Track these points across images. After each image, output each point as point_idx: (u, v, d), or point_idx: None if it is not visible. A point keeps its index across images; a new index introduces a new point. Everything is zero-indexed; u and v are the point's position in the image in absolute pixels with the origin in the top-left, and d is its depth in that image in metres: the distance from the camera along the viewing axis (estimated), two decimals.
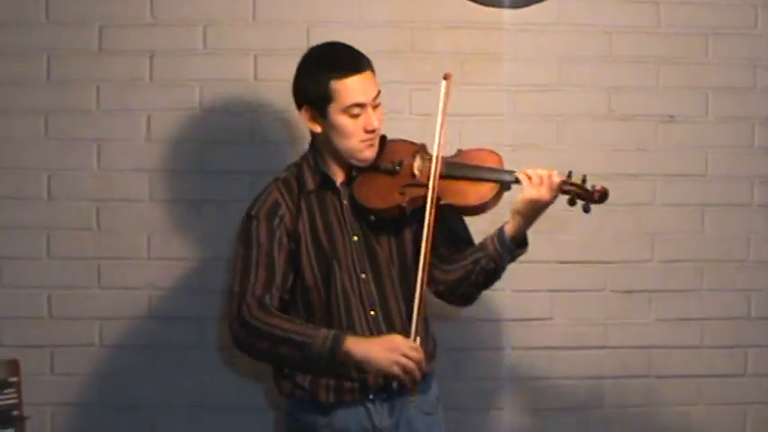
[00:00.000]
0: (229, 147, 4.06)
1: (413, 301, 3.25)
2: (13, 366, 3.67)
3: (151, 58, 4.05)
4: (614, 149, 4.13)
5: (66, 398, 4.06)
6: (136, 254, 4.06)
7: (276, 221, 3.33)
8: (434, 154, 3.30)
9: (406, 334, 3.24)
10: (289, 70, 3.99)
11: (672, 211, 4.15)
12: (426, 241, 3.23)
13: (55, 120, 4.04)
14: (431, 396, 3.46)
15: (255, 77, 4.06)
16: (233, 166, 4.05)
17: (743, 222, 4.18)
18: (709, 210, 4.17)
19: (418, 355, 3.20)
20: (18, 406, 3.64)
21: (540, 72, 4.10)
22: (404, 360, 3.18)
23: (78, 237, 4.05)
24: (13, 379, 3.64)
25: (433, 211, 3.25)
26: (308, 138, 3.97)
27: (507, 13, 4.08)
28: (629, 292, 4.15)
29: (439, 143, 3.30)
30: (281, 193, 3.37)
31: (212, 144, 4.06)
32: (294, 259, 3.33)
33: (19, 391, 3.66)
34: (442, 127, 3.31)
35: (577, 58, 4.11)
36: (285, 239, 3.33)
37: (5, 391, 3.59)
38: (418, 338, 3.23)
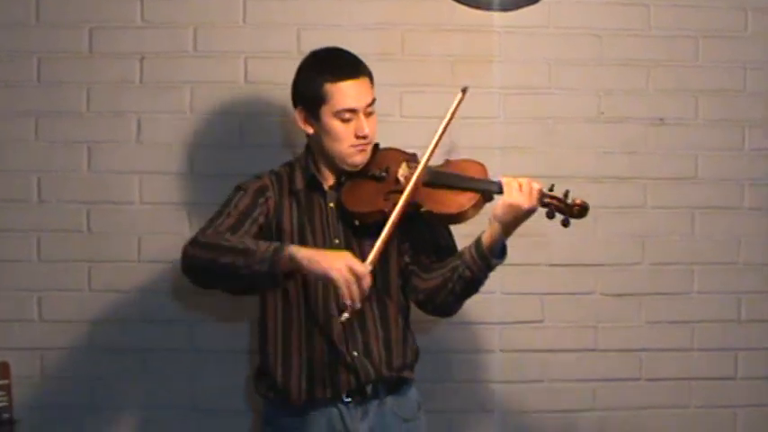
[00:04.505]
0: (219, 149, 4.06)
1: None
2: (4, 369, 3.67)
3: (141, 60, 4.05)
4: (604, 152, 4.13)
5: (57, 400, 4.06)
6: (126, 256, 4.06)
7: (261, 199, 3.41)
8: (425, 153, 3.33)
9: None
10: (279, 73, 4.02)
11: (662, 213, 4.16)
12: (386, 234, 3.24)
13: (45, 122, 4.04)
14: (410, 402, 3.46)
15: (246, 80, 4.06)
16: (223, 168, 4.04)
17: (733, 225, 4.18)
18: (700, 212, 4.17)
19: (363, 273, 3.14)
20: (8, 409, 3.65)
21: (530, 75, 4.11)
22: (345, 270, 3.14)
23: (68, 239, 4.05)
24: (4, 381, 3.65)
25: (399, 214, 3.26)
26: (299, 141, 3.99)
27: (497, 16, 4.09)
28: (620, 295, 4.15)
29: (432, 149, 3.33)
30: (272, 182, 3.44)
31: (202, 147, 4.06)
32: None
33: (9, 394, 3.66)
34: (440, 136, 3.35)
35: (567, 60, 4.11)
36: (262, 219, 3.39)
37: None
38: (371, 267, 3.19)
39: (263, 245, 3.22)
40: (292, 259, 3.18)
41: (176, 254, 3.98)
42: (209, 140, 4.06)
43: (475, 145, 3.97)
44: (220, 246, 3.25)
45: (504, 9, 4.09)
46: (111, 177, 4.05)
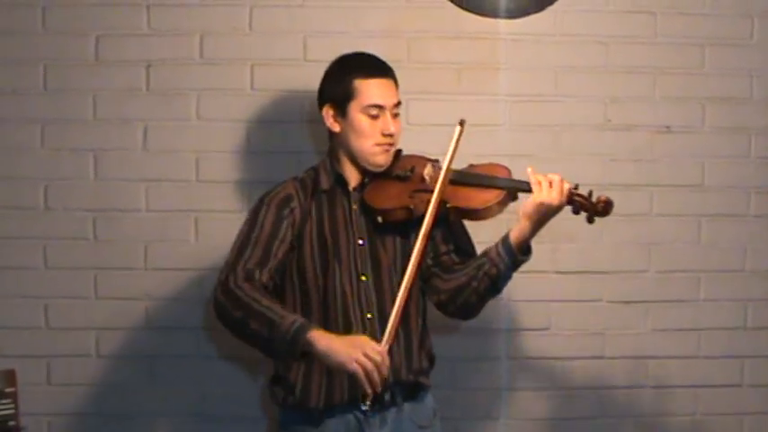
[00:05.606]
0: (226, 157, 4.06)
1: (392, 306, 3.26)
2: (10, 376, 3.67)
3: (148, 67, 4.05)
4: (611, 159, 4.13)
5: (63, 408, 4.06)
6: (133, 264, 4.06)
7: (286, 211, 3.40)
8: (446, 158, 3.36)
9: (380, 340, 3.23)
10: (285, 80, 4.03)
11: (668, 221, 4.16)
12: (418, 252, 3.26)
13: (51, 129, 4.04)
14: (426, 409, 3.47)
15: (252, 87, 4.06)
16: (229, 175, 4.05)
17: (739, 232, 4.18)
18: (706, 220, 4.17)
19: (381, 359, 3.16)
20: (15, 416, 3.65)
21: (537, 82, 4.11)
22: (363, 359, 3.14)
23: (75, 247, 4.05)
24: (10, 389, 3.65)
25: (433, 215, 3.29)
26: (305, 148, 4.00)
27: (504, 24, 4.09)
28: (627, 302, 4.15)
29: (452, 152, 3.36)
30: (296, 189, 3.44)
31: (209, 154, 4.06)
32: (294, 253, 3.37)
33: (16, 402, 3.66)
34: (450, 160, 3.37)
35: (574, 68, 4.11)
36: (289, 232, 3.38)
37: (2, 402, 3.60)
38: (387, 346, 3.20)
39: (288, 319, 3.20)
40: (310, 346, 3.18)
41: (182, 261, 4.04)
42: (215, 148, 4.05)
43: (481, 152, 3.95)
44: (251, 308, 3.23)
45: (511, 16, 4.09)
46: (118, 185, 4.06)
